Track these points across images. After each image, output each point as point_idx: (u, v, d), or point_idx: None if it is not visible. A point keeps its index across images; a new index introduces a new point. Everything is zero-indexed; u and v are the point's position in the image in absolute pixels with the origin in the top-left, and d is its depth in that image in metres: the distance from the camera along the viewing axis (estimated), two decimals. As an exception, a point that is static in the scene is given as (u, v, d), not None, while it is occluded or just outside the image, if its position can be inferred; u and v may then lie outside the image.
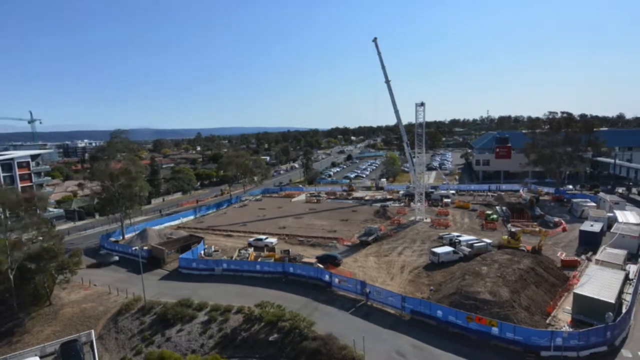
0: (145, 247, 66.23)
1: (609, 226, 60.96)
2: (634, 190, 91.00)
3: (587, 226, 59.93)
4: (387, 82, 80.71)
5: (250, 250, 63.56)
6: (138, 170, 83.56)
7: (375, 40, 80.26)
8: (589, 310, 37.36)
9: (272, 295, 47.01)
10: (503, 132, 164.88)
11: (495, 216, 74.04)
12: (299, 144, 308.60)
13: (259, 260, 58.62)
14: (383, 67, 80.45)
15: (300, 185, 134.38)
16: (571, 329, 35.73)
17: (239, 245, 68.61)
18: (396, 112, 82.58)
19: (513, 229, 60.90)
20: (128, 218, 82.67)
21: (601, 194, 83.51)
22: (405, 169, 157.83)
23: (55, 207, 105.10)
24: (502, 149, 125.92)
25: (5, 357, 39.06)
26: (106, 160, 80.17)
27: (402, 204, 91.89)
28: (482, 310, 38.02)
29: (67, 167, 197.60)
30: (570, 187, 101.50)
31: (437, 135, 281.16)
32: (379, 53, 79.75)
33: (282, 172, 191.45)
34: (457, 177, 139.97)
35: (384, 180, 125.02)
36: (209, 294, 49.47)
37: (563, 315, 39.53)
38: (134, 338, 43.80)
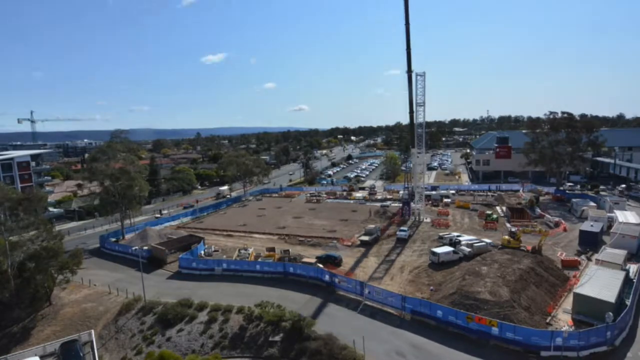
0: (145, 247, 66.23)
1: (609, 226, 61.00)
2: (634, 189, 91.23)
3: (587, 226, 59.97)
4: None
5: (251, 250, 63.55)
6: (137, 170, 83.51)
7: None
8: (589, 310, 37.40)
9: (272, 295, 46.99)
10: (503, 132, 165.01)
11: (495, 216, 74.06)
12: (299, 144, 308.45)
13: (259, 260, 58.75)
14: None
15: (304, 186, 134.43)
16: (572, 329, 35.77)
17: (239, 245, 68.62)
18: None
19: (513, 229, 60.92)
20: (128, 218, 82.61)
21: (603, 194, 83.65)
22: (405, 169, 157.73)
23: (55, 207, 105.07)
24: (502, 149, 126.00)
25: (5, 357, 39.00)
26: (106, 161, 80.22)
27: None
28: (482, 310, 38.04)
29: (67, 167, 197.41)
30: (570, 184, 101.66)
31: (437, 135, 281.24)
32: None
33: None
34: (457, 177, 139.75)
35: (375, 183, 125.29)
36: (209, 294, 49.46)
37: (563, 315, 39.56)
38: (134, 338, 43.78)
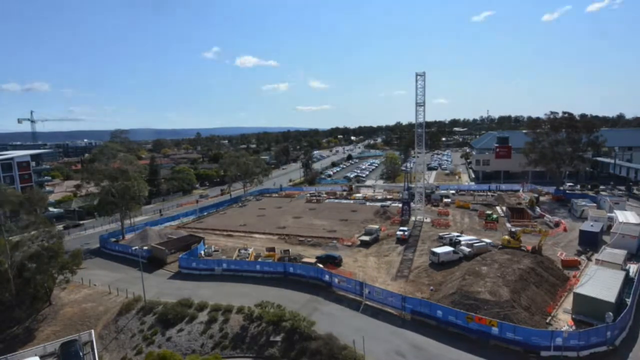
0: (146, 247, 66.24)
1: (609, 226, 60.98)
2: (634, 189, 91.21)
3: (587, 226, 59.94)
4: None
5: (251, 250, 63.55)
6: (136, 170, 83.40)
7: None
8: (589, 310, 37.40)
9: (272, 295, 46.99)
10: (503, 132, 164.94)
11: (495, 216, 74.04)
12: (299, 144, 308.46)
13: (259, 260, 58.76)
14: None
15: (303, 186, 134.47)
16: (572, 329, 35.76)
17: (239, 245, 68.62)
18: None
19: (513, 229, 60.90)
20: (128, 218, 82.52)
21: (604, 194, 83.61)
22: (405, 169, 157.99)
23: (55, 207, 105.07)
24: (502, 149, 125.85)
25: (5, 357, 39.00)
26: (105, 161, 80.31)
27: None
28: (482, 310, 38.04)
29: (67, 167, 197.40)
30: (570, 184, 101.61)
31: (437, 135, 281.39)
32: None
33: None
34: (458, 177, 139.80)
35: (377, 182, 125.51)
36: (209, 293, 49.46)
37: (563, 315, 39.56)
38: (135, 338, 43.79)
